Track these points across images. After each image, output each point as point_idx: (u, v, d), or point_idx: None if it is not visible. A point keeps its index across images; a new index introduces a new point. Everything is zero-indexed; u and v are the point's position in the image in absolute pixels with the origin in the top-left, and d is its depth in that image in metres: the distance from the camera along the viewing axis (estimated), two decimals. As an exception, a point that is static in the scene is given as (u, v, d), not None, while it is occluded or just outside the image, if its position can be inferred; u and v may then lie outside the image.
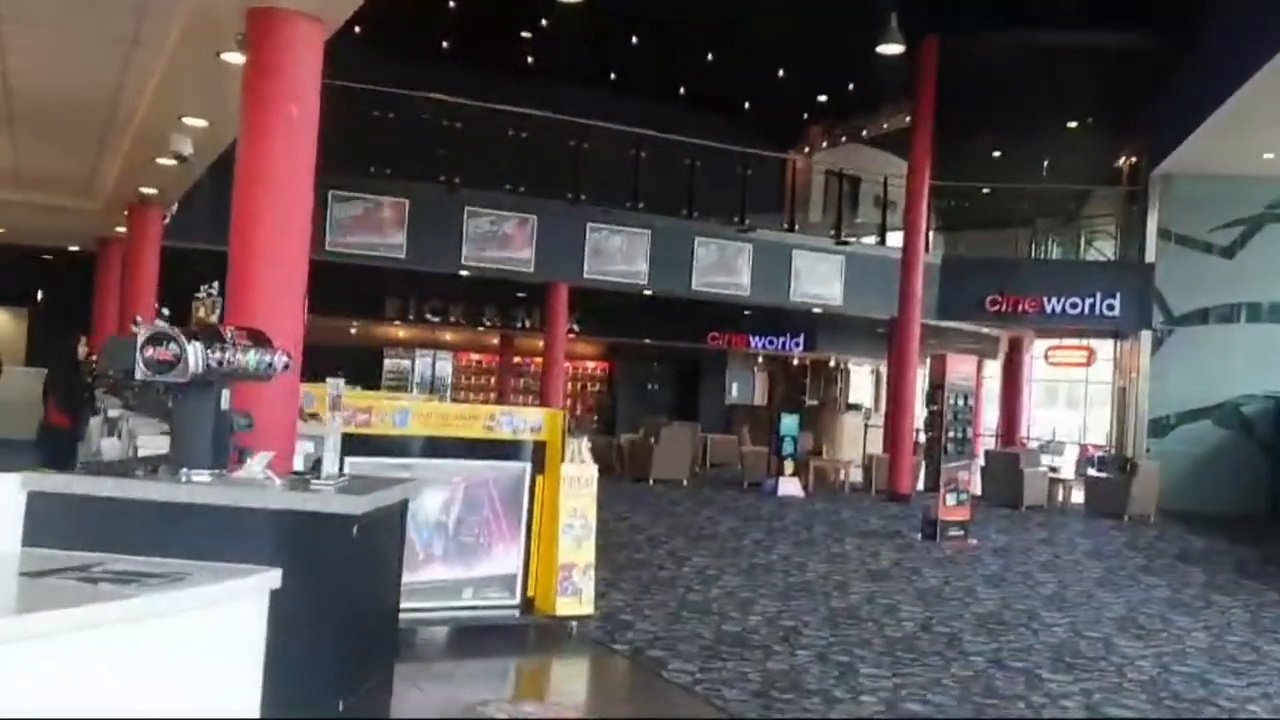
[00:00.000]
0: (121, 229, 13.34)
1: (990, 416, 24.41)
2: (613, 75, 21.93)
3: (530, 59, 21.44)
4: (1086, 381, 24.60)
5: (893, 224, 19.96)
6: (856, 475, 19.29)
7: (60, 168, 10.88)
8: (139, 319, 3.79)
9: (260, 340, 3.99)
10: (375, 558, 3.84)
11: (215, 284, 4.30)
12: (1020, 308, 19.60)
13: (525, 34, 20.55)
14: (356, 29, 19.53)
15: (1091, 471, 18.30)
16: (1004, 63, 18.11)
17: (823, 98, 23.20)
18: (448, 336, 25.91)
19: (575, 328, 21.68)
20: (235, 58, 5.80)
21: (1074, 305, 19.42)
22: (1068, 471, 19.48)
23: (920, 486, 17.48)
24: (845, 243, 19.53)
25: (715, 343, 25.44)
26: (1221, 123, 15.02)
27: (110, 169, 10.44)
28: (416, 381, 26.00)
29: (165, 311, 4.05)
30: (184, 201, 12.51)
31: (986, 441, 22.10)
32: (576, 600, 6.91)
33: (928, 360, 18.90)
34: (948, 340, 21.17)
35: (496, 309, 23.63)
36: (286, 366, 4.10)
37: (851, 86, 21.63)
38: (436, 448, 6.81)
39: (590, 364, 27.84)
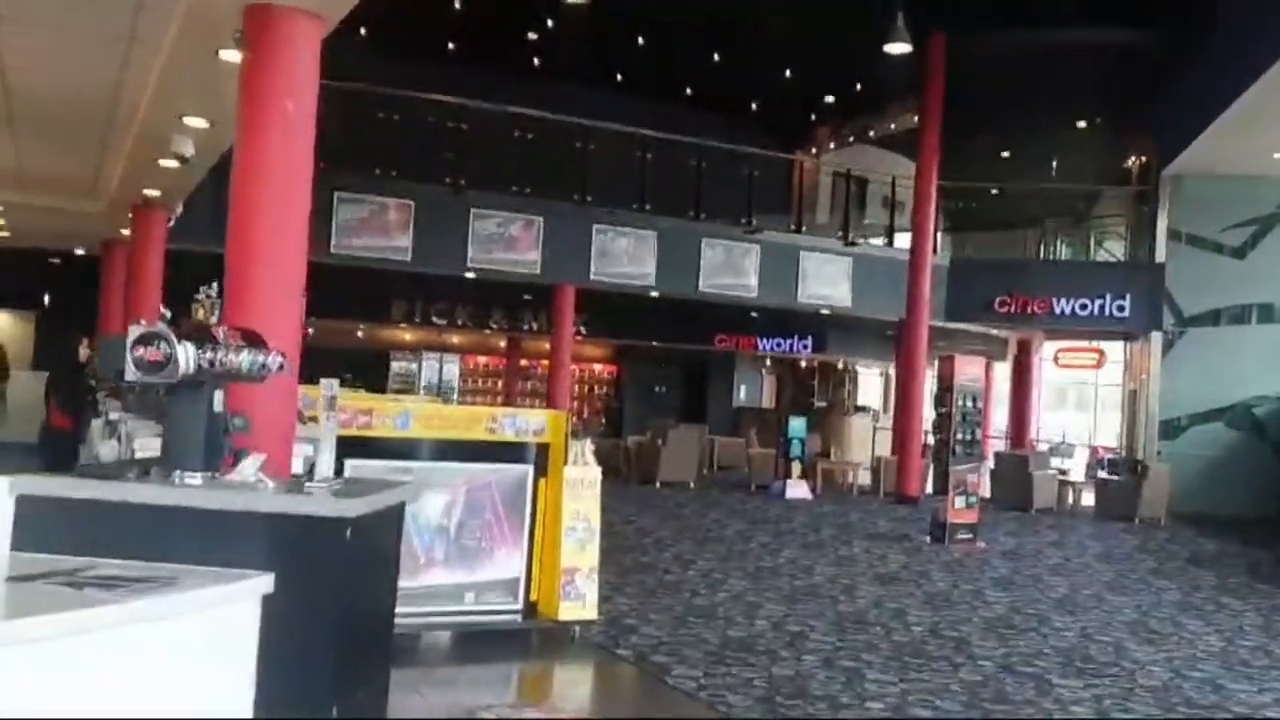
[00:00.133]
0: (126, 231, 13.31)
1: (999, 419, 24.28)
2: (618, 76, 21.87)
3: (536, 60, 21.40)
4: (1096, 384, 24.46)
5: (900, 225, 19.84)
6: (865, 478, 19.16)
7: (63, 169, 10.85)
8: (141, 321, 3.74)
9: (254, 341, 3.93)
10: (370, 562, 3.77)
11: (214, 285, 4.23)
12: (1029, 309, 19.47)
13: (531, 35, 20.52)
14: (362, 30, 19.68)
15: (1101, 474, 18.15)
16: (1012, 62, 18.00)
17: (830, 98, 23.11)
18: (454, 339, 25.88)
19: (582, 330, 21.62)
20: (234, 55, 5.74)
21: (1083, 306, 19.29)
22: (1077, 474, 19.33)
23: (929, 489, 17.38)
24: (853, 244, 19.44)
25: (723, 345, 25.36)
26: (1232, 122, 14.89)
27: (113, 170, 10.41)
28: (423, 384, 25.99)
29: (167, 313, 3.97)
30: (189, 204, 12.48)
31: (995, 444, 21.96)
32: (580, 605, 6.83)
33: (936, 362, 18.83)
34: (956, 342, 21.06)
35: (503, 311, 23.58)
36: (281, 368, 4.04)
37: (858, 87, 21.54)
38: (438, 450, 6.75)
39: (597, 366, 27.78)
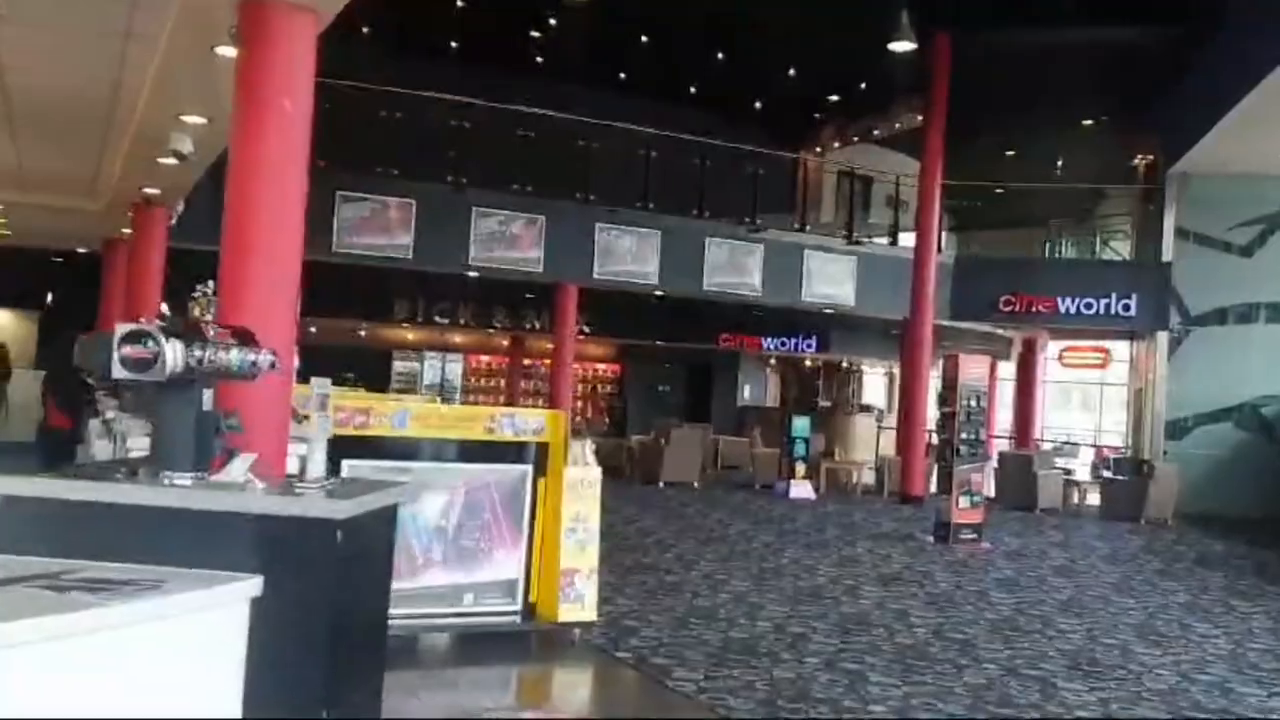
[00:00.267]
0: (127, 230, 13.26)
1: (1004, 418, 24.18)
2: (622, 74, 21.79)
3: (539, 58, 21.32)
4: (1102, 383, 24.35)
5: (905, 224, 19.76)
6: (869, 477, 19.11)
7: (62, 168, 10.79)
8: (141, 320, 3.68)
9: (245, 339, 3.86)
10: (362, 564, 3.69)
11: (210, 282, 4.16)
12: (1034, 308, 19.38)
13: (534, 33, 20.44)
14: (365, 29, 19.62)
15: (1107, 474, 18.05)
16: (1017, 60, 17.90)
17: (834, 97, 23.01)
18: (457, 338, 25.82)
19: (585, 329, 21.56)
20: (230, 51, 5.67)
21: (1089, 305, 19.19)
22: (1083, 474, 19.25)
23: (933, 489, 17.30)
24: (857, 243, 19.35)
25: (727, 344, 25.28)
26: (1239, 120, 14.79)
27: (112, 169, 10.35)
28: (426, 384, 25.95)
29: (167, 311, 3.92)
30: (191, 202, 12.43)
31: (1000, 443, 21.87)
32: (579, 606, 6.76)
33: (940, 361, 18.73)
34: (961, 341, 20.96)
35: (506, 310, 23.52)
36: (273, 366, 3.97)
37: (863, 85, 21.44)
38: (436, 450, 6.69)
39: (601, 366, 27.71)
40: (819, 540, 12.50)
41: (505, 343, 26.30)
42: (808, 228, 19.76)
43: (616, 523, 12.49)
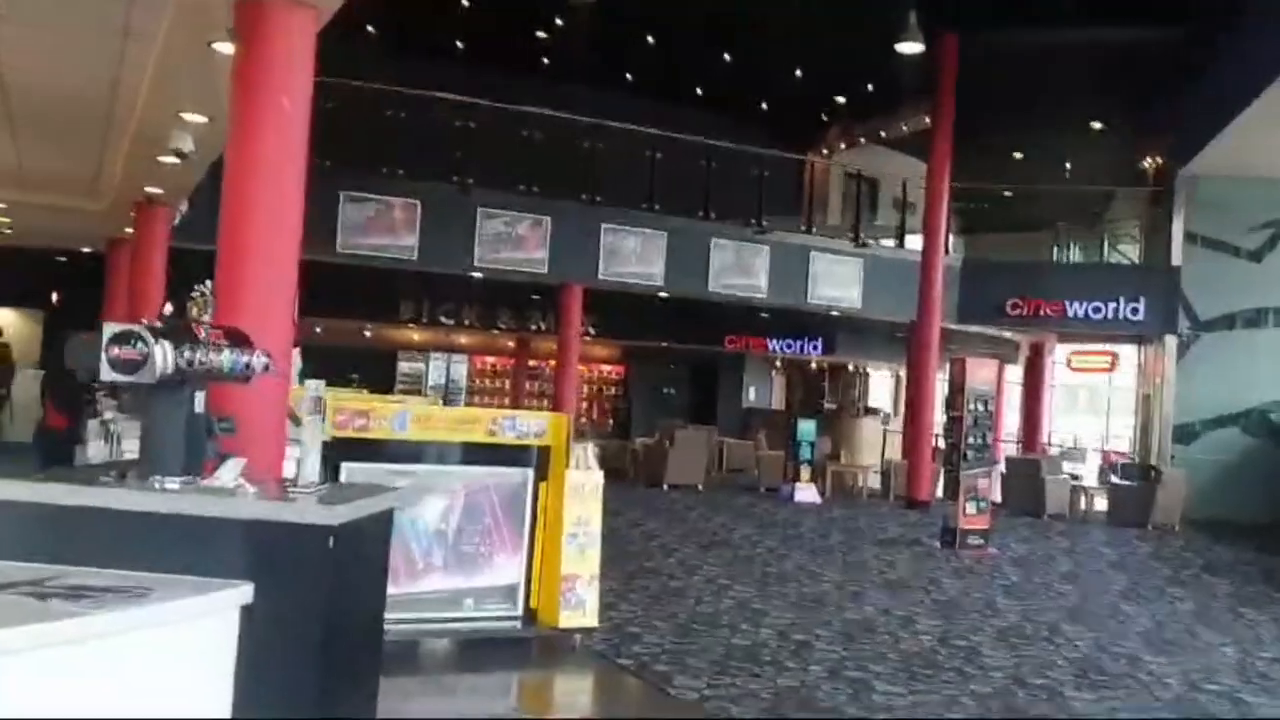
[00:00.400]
0: (130, 230, 13.21)
1: (1011, 422, 24.06)
2: (628, 76, 21.71)
3: (544, 59, 21.26)
4: (1109, 387, 24.22)
5: (912, 226, 19.66)
6: (875, 481, 19.00)
7: (64, 167, 10.75)
8: (144, 320, 3.61)
9: (238, 340, 3.79)
10: (356, 571, 3.61)
11: (209, 283, 4.09)
12: (1042, 311, 19.26)
13: (539, 34, 20.37)
14: (370, 29, 19.54)
15: (1114, 479, 17.93)
16: (1025, 61, 17.80)
17: (841, 98, 22.91)
18: (462, 339, 25.76)
19: (590, 330, 21.48)
20: (228, 49, 5.61)
21: (1097, 309, 19.07)
22: (1090, 479, 19.12)
23: (939, 493, 17.19)
24: (864, 245, 19.26)
25: (733, 346, 25.20)
26: (1250, 123, 14.65)
27: (113, 168, 10.30)
28: (431, 385, 25.89)
29: (168, 311, 3.87)
30: (194, 202, 12.37)
31: (1007, 448, 21.75)
32: (580, 612, 6.67)
33: (947, 365, 18.62)
34: (968, 344, 20.86)
35: (511, 311, 23.46)
36: (267, 368, 3.90)
37: (870, 87, 21.33)
38: (436, 453, 6.61)
39: (606, 367, 27.63)
40: (824, 545, 12.40)
41: (510, 344, 26.24)
42: (814, 229, 19.66)
43: (620, 526, 12.42)
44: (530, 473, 6.78)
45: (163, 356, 3.32)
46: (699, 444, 18.59)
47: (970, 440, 13.11)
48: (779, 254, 18.28)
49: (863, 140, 24.33)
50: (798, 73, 20.96)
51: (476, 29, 19.86)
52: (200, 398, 3.63)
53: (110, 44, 6.36)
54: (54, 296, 20.39)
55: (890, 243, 20.18)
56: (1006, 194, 21.74)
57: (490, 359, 27.20)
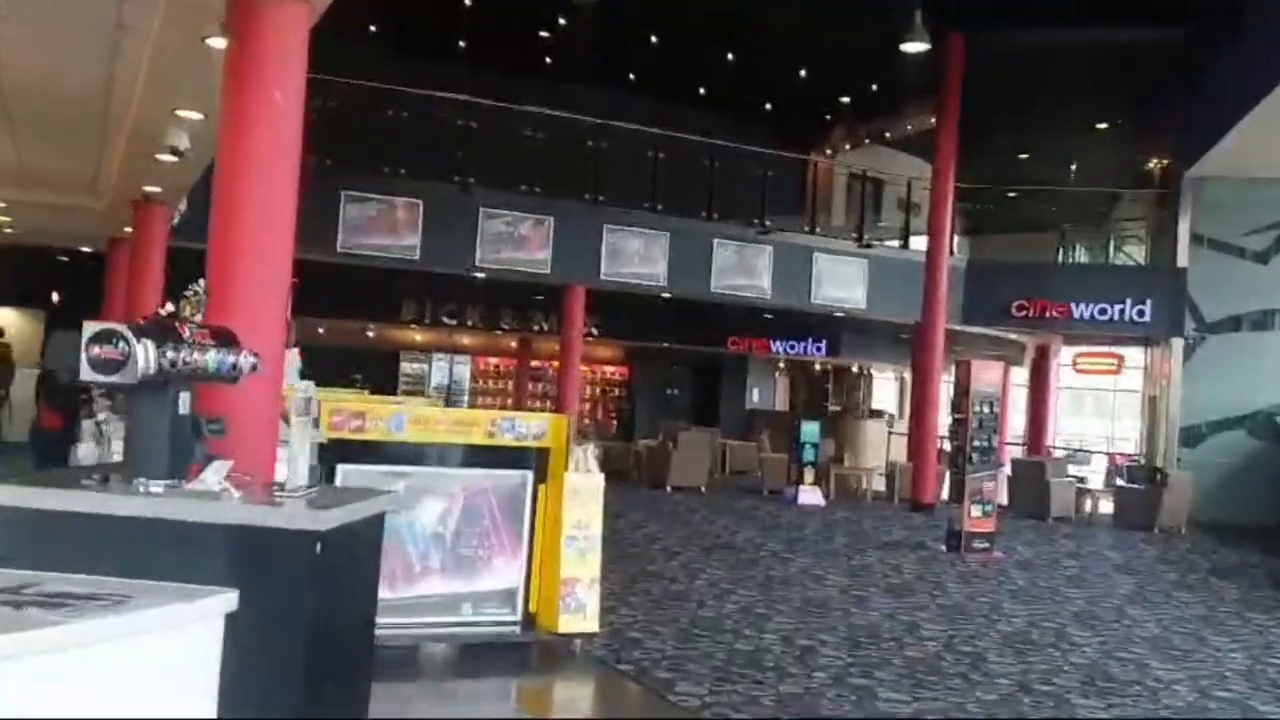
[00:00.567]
0: (130, 229, 13.13)
1: (1016, 424, 23.92)
2: (631, 75, 21.61)
3: (547, 59, 21.16)
4: (1115, 390, 24.08)
5: (916, 228, 19.54)
6: (879, 484, 18.87)
7: (62, 165, 10.67)
8: (142, 320, 3.52)
9: (226, 339, 3.69)
10: (345, 577, 3.52)
11: (202, 281, 4.00)
12: (1047, 313, 19.14)
13: (542, 34, 20.28)
14: (371, 28, 19.44)
15: (1120, 482, 17.80)
16: (1031, 62, 17.68)
17: (845, 98, 22.79)
18: (465, 340, 25.67)
19: (593, 331, 21.39)
20: (221, 44, 5.51)
21: (1103, 311, 18.95)
22: (1096, 482, 19.00)
23: (944, 496, 17.06)
24: (868, 246, 19.14)
25: (736, 347, 25.09)
26: (1256, 124, 14.50)
27: (111, 166, 10.22)
28: (434, 386, 25.80)
29: (164, 311, 3.79)
30: (193, 201, 12.29)
31: (1012, 450, 21.61)
32: (580, 616, 6.56)
33: (952, 366, 18.50)
34: (973, 346, 20.75)
35: (514, 312, 23.36)
36: (254, 368, 3.80)
37: (875, 87, 21.21)
38: (434, 455, 6.51)
39: (609, 368, 27.54)
40: (828, 548, 12.29)
41: (513, 344, 26.15)
42: (818, 230, 19.55)
43: (622, 528, 12.33)
44: (530, 475, 6.67)
45: (144, 356, 3.22)
46: (702, 446, 18.48)
47: (975, 443, 12.99)
48: (782, 254, 18.18)
49: (867, 140, 24.22)
50: (801, 72, 20.85)
51: (479, 28, 19.77)
52: (186, 398, 3.53)
53: (104, 40, 6.27)
54: (55, 296, 20.32)
55: (894, 243, 20.07)
56: (1011, 195, 21.60)
57: (493, 360, 27.11)
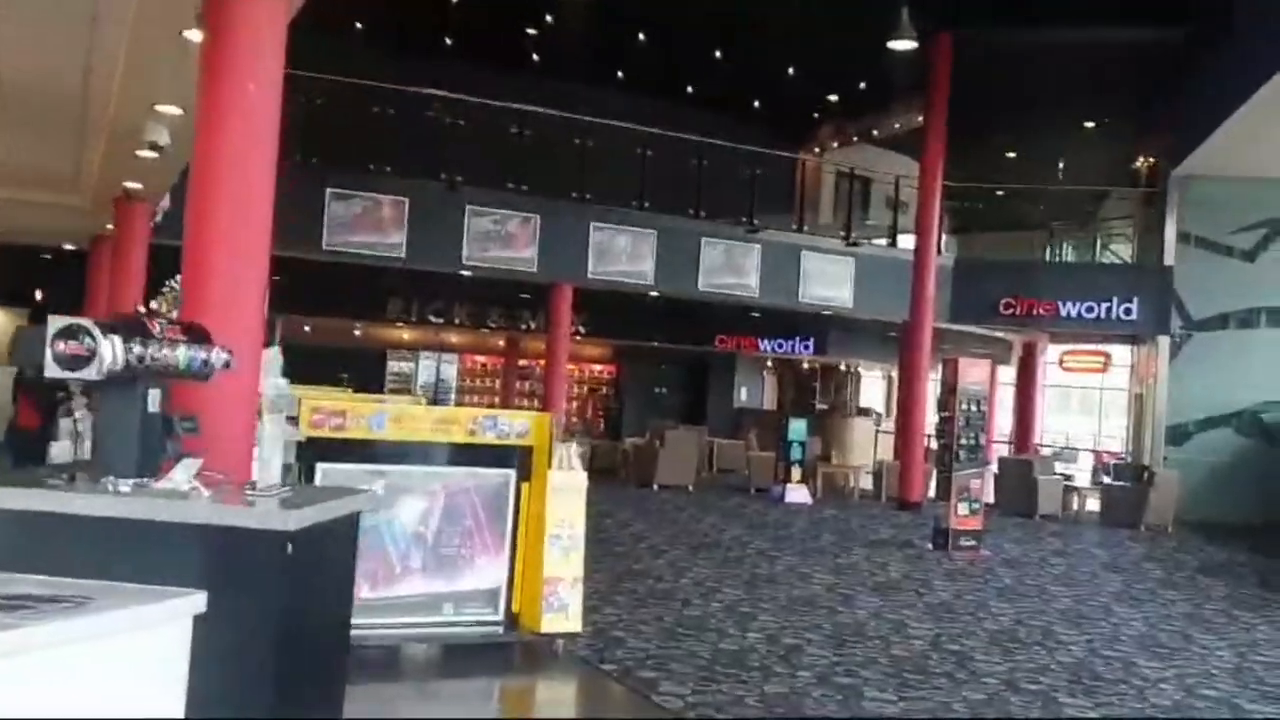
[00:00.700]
0: (112, 226, 13.01)
1: (1004, 422, 23.93)
2: (619, 73, 21.55)
3: (535, 56, 21.09)
4: (1102, 387, 24.12)
5: (904, 226, 19.52)
6: (866, 482, 18.86)
7: (42, 161, 10.55)
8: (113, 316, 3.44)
9: (197, 335, 3.62)
10: (317, 577, 3.44)
11: (179, 277, 3.93)
12: (1035, 311, 19.14)
13: (530, 30, 20.19)
14: (358, 25, 19.33)
15: (1107, 480, 17.81)
16: (1019, 60, 17.68)
17: (833, 97, 22.76)
18: (452, 338, 25.57)
19: (581, 329, 21.31)
20: (198, 37, 5.43)
21: (1090, 309, 18.96)
22: (1083, 480, 19.01)
23: (931, 494, 17.05)
24: (856, 244, 19.11)
25: (724, 345, 25.05)
26: (1243, 123, 14.53)
27: (92, 162, 10.11)
28: (420, 384, 25.69)
29: (142, 309, 3.73)
30: (178, 199, 12.18)
31: (999, 448, 21.63)
32: (563, 616, 6.49)
33: (939, 365, 18.49)
34: (961, 344, 20.73)
35: (501, 310, 23.27)
36: (227, 365, 3.72)
37: (863, 85, 21.18)
38: (415, 453, 6.44)
39: (597, 367, 27.48)
40: (814, 547, 12.25)
41: (501, 343, 26.06)
42: (806, 228, 19.51)
43: (608, 527, 12.28)
44: (512, 473, 6.61)
45: (111, 351, 3.14)
46: (689, 444, 18.43)
47: (962, 441, 12.97)
48: (770, 253, 18.14)
49: (855, 139, 24.21)
50: (790, 70, 20.81)
51: (467, 25, 19.67)
52: (156, 395, 3.45)
53: (79, 31, 6.18)
54: (38, 294, 20.16)
55: (882, 242, 20.05)
56: (999, 193, 21.60)
57: (480, 358, 27.02)
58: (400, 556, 6.34)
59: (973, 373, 13.62)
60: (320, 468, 6.07)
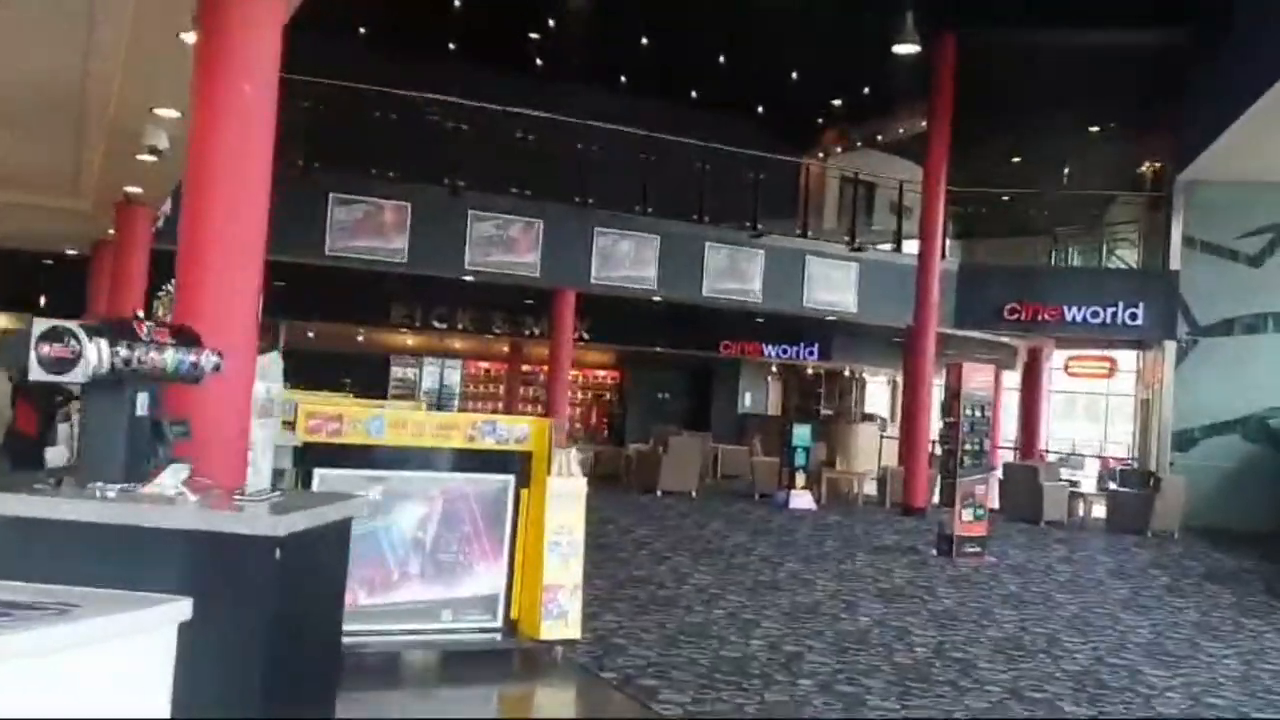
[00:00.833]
0: (113, 231, 12.99)
1: (1008, 428, 23.82)
2: (622, 77, 21.53)
3: (538, 60, 21.07)
4: (1108, 393, 24.01)
5: (908, 231, 19.46)
6: (871, 488, 18.78)
7: (43, 165, 10.52)
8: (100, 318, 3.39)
9: (186, 338, 3.56)
10: (306, 584, 3.39)
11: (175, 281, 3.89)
12: (1040, 316, 19.06)
13: (533, 35, 20.18)
14: (361, 29, 19.30)
15: (1113, 486, 17.71)
16: (1023, 65, 17.62)
17: (837, 101, 22.73)
18: (456, 344, 25.54)
19: (585, 335, 21.27)
20: (194, 38, 5.39)
21: (1095, 314, 18.87)
22: (1088, 486, 18.90)
23: (936, 500, 16.95)
24: (860, 249, 19.04)
25: (728, 351, 25.00)
26: (1249, 127, 14.45)
27: (92, 166, 10.09)
28: (425, 390, 25.66)
29: (140, 314, 3.68)
30: (179, 203, 12.17)
31: (1004, 454, 21.53)
32: (562, 623, 6.44)
33: (944, 370, 18.41)
34: (965, 349, 20.66)
35: (505, 316, 23.23)
36: (217, 368, 3.67)
37: (867, 90, 21.15)
38: (413, 459, 6.38)
39: (601, 372, 27.41)
40: (818, 553, 12.17)
41: (504, 349, 26.02)
42: (809, 233, 19.45)
43: (610, 533, 12.22)
44: (511, 479, 6.55)
45: (96, 354, 3.09)
46: (693, 450, 18.37)
47: (967, 446, 12.90)
48: (774, 258, 18.08)
49: (859, 144, 24.15)
50: (794, 75, 20.78)
51: (469, 29, 19.66)
52: (144, 399, 3.40)
53: (76, 32, 6.14)
54: (41, 300, 20.16)
55: (886, 247, 19.97)
56: (1004, 198, 21.52)
57: (484, 364, 26.98)
58: (398, 563, 6.28)
59: (976, 378, 13.55)
60: (318, 473, 6.02)
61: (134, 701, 2.93)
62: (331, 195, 15.05)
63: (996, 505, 15.89)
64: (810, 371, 28.27)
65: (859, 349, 24.60)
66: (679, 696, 6.02)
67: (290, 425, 6.05)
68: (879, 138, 23.44)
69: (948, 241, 19.45)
